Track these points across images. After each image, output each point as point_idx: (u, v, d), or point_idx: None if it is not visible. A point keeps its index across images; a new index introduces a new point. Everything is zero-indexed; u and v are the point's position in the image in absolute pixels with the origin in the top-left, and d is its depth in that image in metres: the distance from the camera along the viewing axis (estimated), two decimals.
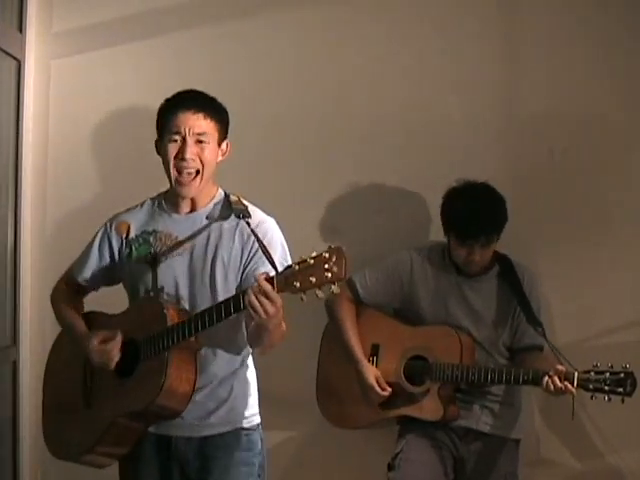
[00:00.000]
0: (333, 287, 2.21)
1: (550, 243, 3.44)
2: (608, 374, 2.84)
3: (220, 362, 2.59)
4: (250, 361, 2.68)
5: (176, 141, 2.55)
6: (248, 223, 2.51)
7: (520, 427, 3.22)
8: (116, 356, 2.54)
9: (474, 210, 3.07)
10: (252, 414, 2.65)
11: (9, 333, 3.53)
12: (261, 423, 2.67)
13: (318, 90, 3.54)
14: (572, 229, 3.43)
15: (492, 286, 3.20)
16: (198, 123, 2.54)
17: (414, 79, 3.52)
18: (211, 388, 2.58)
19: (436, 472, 3.11)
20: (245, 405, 2.63)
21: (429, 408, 3.11)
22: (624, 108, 3.41)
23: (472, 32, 3.48)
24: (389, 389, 3.15)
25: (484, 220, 3.07)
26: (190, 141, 2.53)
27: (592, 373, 2.87)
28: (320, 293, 2.23)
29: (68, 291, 2.79)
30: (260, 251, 2.45)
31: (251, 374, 2.69)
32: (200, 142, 2.55)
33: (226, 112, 2.63)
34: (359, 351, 3.22)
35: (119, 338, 2.54)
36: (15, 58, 3.51)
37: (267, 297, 2.28)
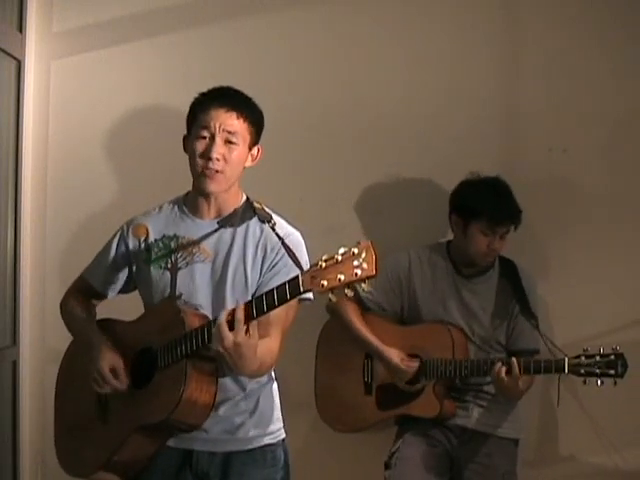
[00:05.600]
0: (363, 285, 2.08)
1: (549, 243, 3.44)
2: (598, 357, 2.82)
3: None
4: (273, 373, 2.55)
5: (204, 138, 2.41)
6: (273, 229, 2.39)
7: (518, 427, 3.21)
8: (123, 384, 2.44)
9: (503, 197, 3.12)
10: (278, 428, 2.54)
11: (9, 333, 3.52)
12: (286, 436, 2.56)
13: (318, 90, 3.54)
14: (571, 229, 3.43)
15: (490, 287, 3.20)
16: (230, 122, 2.40)
17: (414, 79, 3.52)
18: (236, 401, 2.46)
19: (432, 470, 3.10)
20: (272, 419, 2.52)
21: (426, 405, 3.12)
22: (624, 107, 3.41)
23: (474, 31, 3.48)
24: (415, 364, 3.12)
25: (512, 206, 3.12)
26: (219, 140, 2.40)
27: (582, 358, 2.85)
28: (349, 292, 2.11)
29: (81, 299, 2.64)
30: (277, 266, 2.39)
31: (275, 387, 2.57)
32: (229, 142, 2.41)
33: (261, 114, 2.49)
34: (375, 339, 3.19)
35: (124, 380, 2.43)
36: (15, 58, 3.51)
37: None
